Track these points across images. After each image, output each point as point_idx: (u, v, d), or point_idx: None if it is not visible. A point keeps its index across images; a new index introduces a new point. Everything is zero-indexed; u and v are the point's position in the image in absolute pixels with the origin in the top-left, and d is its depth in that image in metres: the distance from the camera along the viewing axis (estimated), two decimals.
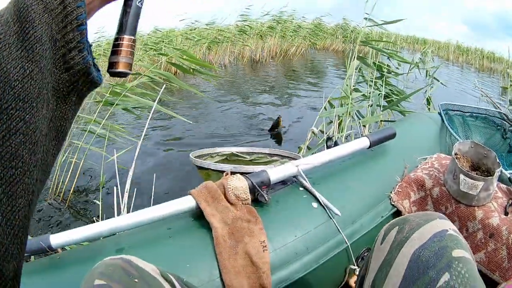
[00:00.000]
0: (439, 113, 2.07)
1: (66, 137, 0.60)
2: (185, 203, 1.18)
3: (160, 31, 13.10)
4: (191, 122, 4.50)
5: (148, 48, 10.99)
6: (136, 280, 0.77)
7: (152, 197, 2.36)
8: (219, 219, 1.13)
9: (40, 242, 1.08)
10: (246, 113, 6.17)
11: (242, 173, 1.27)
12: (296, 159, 1.82)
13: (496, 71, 17.37)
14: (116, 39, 0.65)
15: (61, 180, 3.59)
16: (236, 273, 1.05)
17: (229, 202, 1.19)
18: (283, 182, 1.38)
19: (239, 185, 1.20)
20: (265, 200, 1.22)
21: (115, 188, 2.05)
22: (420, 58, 6.69)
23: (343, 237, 1.25)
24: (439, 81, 5.40)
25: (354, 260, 1.30)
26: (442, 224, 0.84)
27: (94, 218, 2.87)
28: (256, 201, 1.23)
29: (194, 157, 1.87)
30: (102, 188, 2.77)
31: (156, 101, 2.44)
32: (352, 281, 1.36)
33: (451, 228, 0.83)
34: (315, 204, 1.28)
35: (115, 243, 1.14)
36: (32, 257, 1.44)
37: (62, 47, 0.55)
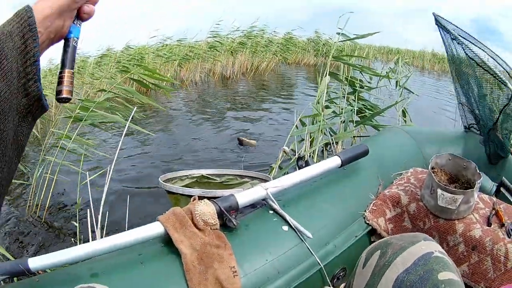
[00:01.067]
0: None
1: (24, 150, 0.79)
2: (154, 229, 1.16)
3: (132, 48, 13.03)
4: (153, 134, 4.60)
5: (121, 66, 11.01)
6: None
7: (127, 219, 2.33)
8: (187, 245, 1.11)
9: (19, 265, 1.06)
10: (217, 130, 6.18)
11: (210, 198, 1.24)
12: (266, 180, 1.82)
13: None
14: (60, 73, 0.83)
15: (37, 197, 3.55)
16: None
17: (197, 227, 1.16)
18: (253, 206, 1.35)
19: (206, 210, 1.17)
20: (234, 225, 1.19)
21: (88, 211, 2.05)
22: (390, 68, 6.69)
23: (316, 259, 1.22)
24: (410, 91, 5.41)
25: (329, 281, 1.26)
26: (428, 246, 0.83)
27: (71, 238, 2.85)
28: (225, 226, 1.20)
29: (163, 180, 1.83)
30: (78, 211, 2.78)
31: (129, 119, 2.45)
32: None
33: (437, 250, 0.82)
34: (285, 227, 1.25)
35: (90, 268, 1.12)
36: (14, 279, 1.35)
37: (23, 78, 0.72)
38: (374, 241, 1.27)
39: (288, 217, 1.25)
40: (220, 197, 1.26)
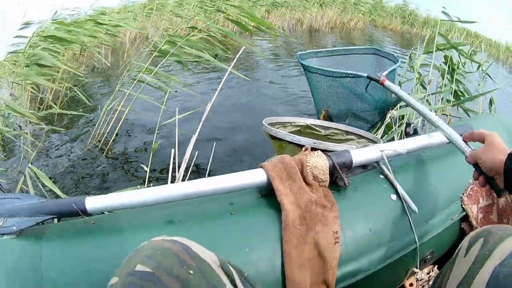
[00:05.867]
0: None
1: None
2: (255, 177, 1.08)
3: None
4: (249, 79, 4.34)
5: (204, 5, 10.90)
6: (191, 271, 0.70)
7: (208, 169, 2.28)
8: (291, 201, 1.03)
9: (73, 204, 1.03)
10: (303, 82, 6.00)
11: (323, 151, 1.17)
12: (375, 141, 1.74)
13: None
14: None
15: (105, 130, 3.59)
16: (300, 266, 0.96)
17: (305, 182, 1.08)
18: (364, 166, 1.28)
19: (319, 164, 1.09)
20: (345, 184, 1.11)
21: (172, 150, 1.93)
22: (474, 50, 6.44)
23: (414, 237, 1.15)
24: (492, 78, 5.19)
25: (418, 262, 1.21)
26: None
27: (139, 181, 2.81)
28: (334, 184, 1.12)
29: (267, 124, 1.74)
30: (151, 154, 2.64)
31: (231, 66, 2.30)
32: (408, 283, 1.30)
33: None
34: (393, 196, 1.17)
35: (164, 214, 1.07)
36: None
37: None
38: (463, 228, 1.30)
39: (398, 186, 1.18)
40: (333, 151, 1.20)
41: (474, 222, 1.34)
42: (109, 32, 5.94)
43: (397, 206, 1.16)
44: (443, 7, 3.83)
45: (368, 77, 2.29)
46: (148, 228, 1.03)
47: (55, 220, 1.24)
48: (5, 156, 3.48)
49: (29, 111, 3.47)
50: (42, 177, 2.16)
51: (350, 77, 2.60)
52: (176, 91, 4.06)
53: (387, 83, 1.97)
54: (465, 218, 1.34)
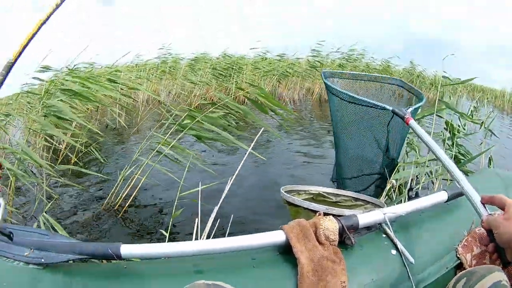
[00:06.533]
0: None
1: None
2: (275, 237, 1.24)
3: (230, 57, 13.06)
4: (264, 158, 4.42)
5: (217, 73, 11.00)
6: None
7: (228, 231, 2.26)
8: (306, 256, 1.18)
9: (109, 248, 1.10)
10: (312, 155, 6.13)
11: (333, 215, 1.34)
12: (379, 205, 1.91)
13: None
14: None
15: (121, 194, 3.63)
16: None
17: (318, 241, 1.25)
18: (368, 228, 1.44)
19: (330, 226, 1.26)
20: (352, 243, 1.29)
21: (196, 220, 2.05)
22: (475, 107, 6.54)
23: (412, 284, 1.30)
24: (493, 134, 5.20)
25: None
26: (499, 276, 1.05)
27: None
28: (342, 243, 1.29)
29: (284, 192, 1.91)
30: (171, 220, 2.69)
31: (251, 147, 2.35)
32: None
33: (503, 279, 1.04)
34: (394, 251, 1.34)
35: (193, 264, 1.16)
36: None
37: None
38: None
39: (398, 243, 1.35)
40: (342, 215, 1.36)
41: (468, 268, 1.47)
42: (124, 93, 6.04)
43: (396, 259, 1.33)
44: (444, 71, 3.95)
45: (393, 111, 2.17)
46: (179, 276, 1.12)
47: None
48: (17, 199, 3.57)
49: (46, 161, 3.58)
50: (57, 227, 2.23)
51: (374, 107, 2.48)
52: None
53: (412, 122, 1.94)
54: (460, 266, 1.48)
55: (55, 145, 5.06)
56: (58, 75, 5.95)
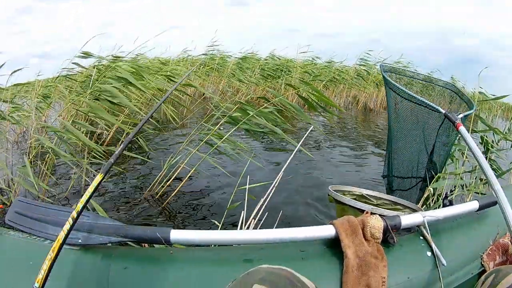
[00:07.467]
0: None
1: None
2: (325, 231, 1.30)
3: (279, 59, 13.03)
4: (312, 156, 4.45)
5: (266, 74, 11.01)
6: None
7: (276, 223, 2.32)
8: (353, 251, 1.25)
9: (157, 233, 1.12)
10: (353, 160, 6.18)
11: (379, 215, 1.42)
12: (416, 210, 2.00)
13: None
14: None
15: (164, 184, 3.69)
16: None
17: (364, 237, 1.33)
18: (408, 229, 1.53)
19: (376, 224, 1.34)
20: (394, 242, 1.37)
21: (242, 212, 2.10)
22: (509, 129, 6.51)
23: (441, 286, 1.39)
24: None
25: None
26: None
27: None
28: (384, 241, 1.38)
29: (333, 190, 2.00)
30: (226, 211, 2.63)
31: (300, 143, 2.39)
32: None
33: None
34: (429, 253, 1.43)
35: (242, 253, 1.21)
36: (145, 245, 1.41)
37: None
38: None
39: (433, 245, 1.44)
40: (386, 215, 1.44)
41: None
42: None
43: (431, 260, 1.42)
44: (480, 87, 3.99)
45: (445, 115, 2.16)
46: (228, 264, 1.15)
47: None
48: (56, 180, 3.62)
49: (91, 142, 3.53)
50: (99, 210, 2.21)
51: (428, 108, 2.44)
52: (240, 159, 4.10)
53: (462, 128, 1.94)
54: (483, 273, 1.54)
55: (98, 132, 5.16)
56: (104, 63, 6.10)
